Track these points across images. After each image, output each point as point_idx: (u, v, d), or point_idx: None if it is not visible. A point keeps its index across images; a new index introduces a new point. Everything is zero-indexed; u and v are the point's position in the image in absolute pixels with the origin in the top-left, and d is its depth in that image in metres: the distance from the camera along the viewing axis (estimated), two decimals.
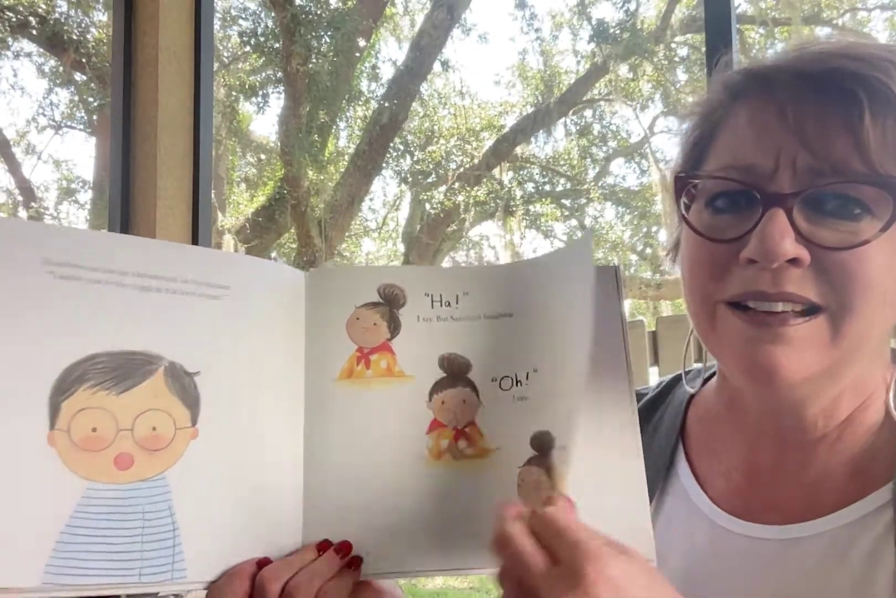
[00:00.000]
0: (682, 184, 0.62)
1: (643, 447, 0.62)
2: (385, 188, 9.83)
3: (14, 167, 8.95)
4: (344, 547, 0.59)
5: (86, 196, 9.43)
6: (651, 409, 0.75)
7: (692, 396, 0.73)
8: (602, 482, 0.60)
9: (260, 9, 8.26)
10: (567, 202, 9.65)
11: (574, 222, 9.77)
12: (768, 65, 0.60)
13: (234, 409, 0.63)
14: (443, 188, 9.11)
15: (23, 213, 9.15)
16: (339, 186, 8.16)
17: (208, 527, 0.61)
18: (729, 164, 0.59)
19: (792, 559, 0.60)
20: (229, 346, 0.63)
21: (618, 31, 8.23)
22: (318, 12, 7.73)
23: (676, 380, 0.77)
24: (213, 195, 3.02)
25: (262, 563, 0.59)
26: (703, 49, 1.86)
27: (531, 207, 9.42)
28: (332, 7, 7.99)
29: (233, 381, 0.63)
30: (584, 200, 9.54)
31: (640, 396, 0.75)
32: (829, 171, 0.54)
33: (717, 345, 0.61)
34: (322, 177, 8.63)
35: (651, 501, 0.62)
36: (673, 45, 8.60)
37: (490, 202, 8.98)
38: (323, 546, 0.59)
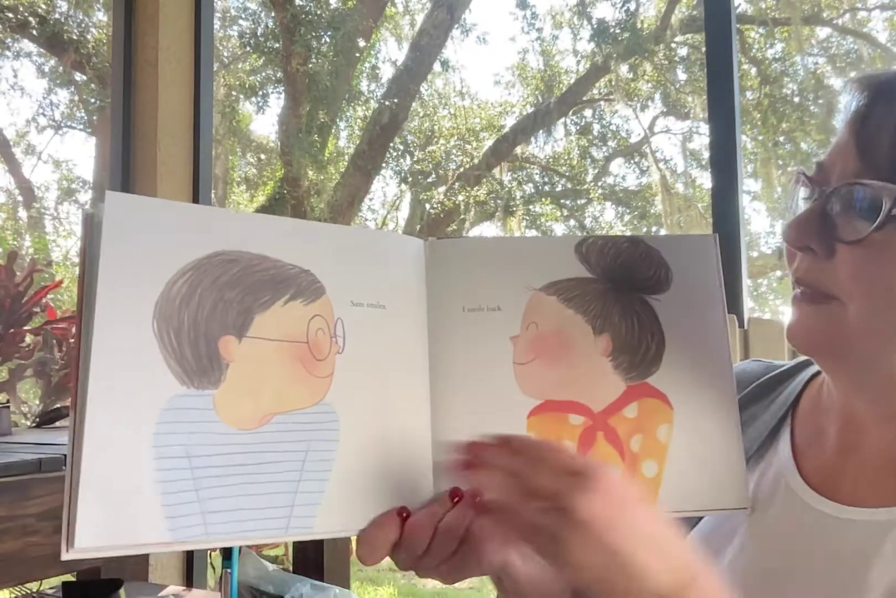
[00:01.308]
0: (795, 177, 0.67)
1: (762, 413, 0.72)
2: (385, 188, 9.83)
3: (14, 167, 8.95)
4: (478, 491, 0.61)
5: (86, 196, 9.43)
6: (780, 380, 0.77)
7: (816, 373, 0.76)
8: (698, 435, 0.66)
9: (260, 9, 8.26)
10: (567, 202, 9.65)
11: (574, 222, 9.77)
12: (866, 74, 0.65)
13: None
14: (443, 188, 9.11)
15: (23, 213, 9.15)
16: (339, 186, 8.17)
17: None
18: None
19: (840, 538, 0.60)
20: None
21: (618, 31, 8.23)
22: (318, 12, 7.73)
23: (809, 361, 0.79)
24: (213, 195, 3.01)
25: (402, 512, 0.59)
26: (703, 49, 1.86)
27: (531, 207, 9.42)
28: (332, 7, 7.99)
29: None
30: (583, 200, 9.54)
31: (776, 367, 0.79)
32: (864, 171, 0.59)
33: None
34: (322, 177, 8.63)
35: (748, 461, 0.68)
36: (673, 45, 8.60)
37: (490, 202, 8.98)
38: (455, 493, 0.61)
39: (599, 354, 0.67)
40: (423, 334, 0.66)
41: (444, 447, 0.63)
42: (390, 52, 9.24)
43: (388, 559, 0.62)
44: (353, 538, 0.61)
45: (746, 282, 1.81)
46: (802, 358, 0.79)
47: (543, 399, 0.65)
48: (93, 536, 0.51)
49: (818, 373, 0.75)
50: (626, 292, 0.68)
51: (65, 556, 0.50)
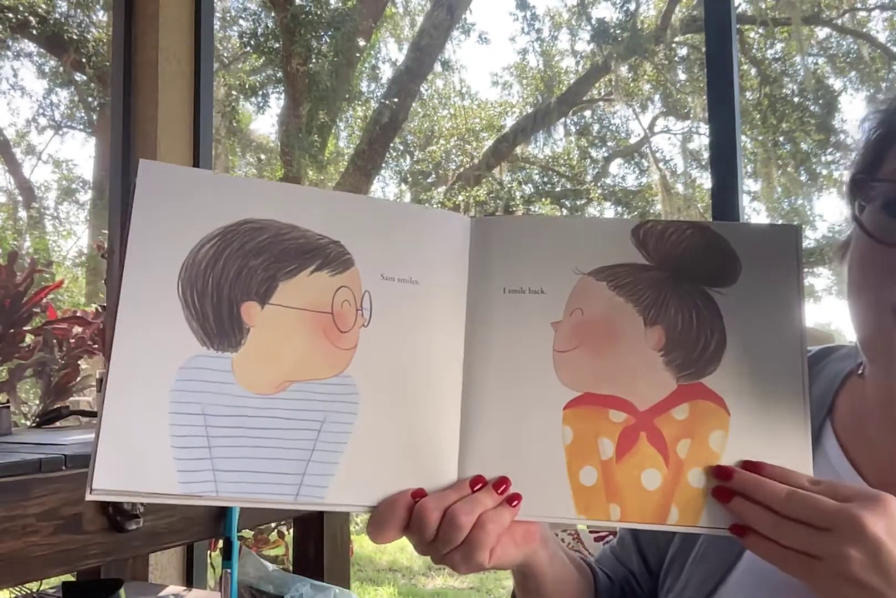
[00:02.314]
0: (859, 186, 0.61)
1: None
2: (385, 188, 9.84)
3: (14, 167, 8.95)
4: (502, 483, 0.59)
5: (86, 196, 9.43)
6: None
7: (847, 375, 0.71)
8: (758, 446, 0.59)
9: (260, 9, 8.26)
10: (567, 202, 9.65)
11: None
12: None
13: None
14: (443, 188, 9.11)
15: (23, 213, 9.15)
16: (339, 186, 8.16)
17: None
18: None
19: None
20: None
21: (618, 31, 8.23)
22: (318, 12, 7.73)
23: (826, 353, 0.75)
24: None
25: (417, 494, 0.58)
26: (703, 49, 1.85)
27: (531, 208, 9.42)
28: (332, 7, 7.99)
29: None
30: (583, 201, 9.54)
31: None
32: None
33: (880, 350, 0.60)
34: (322, 177, 8.63)
35: None
36: (673, 45, 8.60)
37: (490, 202, 8.98)
38: (476, 481, 0.59)
39: (650, 347, 0.61)
40: (460, 313, 0.63)
41: (473, 434, 0.61)
42: (390, 53, 9.25)
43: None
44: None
45: None
46: (814, 349, 0.75)
47: (583, 391, 0.61)
48: (109, 479, 0.54)
49: (850, 373, 0.71)
50: (686, 283, 0.62)
51: (88, 497, 0.54)
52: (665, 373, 0.61)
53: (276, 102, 8.79)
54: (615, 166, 9.57)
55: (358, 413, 0.60)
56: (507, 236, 0.64)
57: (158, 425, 0.56)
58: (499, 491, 0.59)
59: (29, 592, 1.54)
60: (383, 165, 8.71)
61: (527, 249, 0.64)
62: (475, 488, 0.59)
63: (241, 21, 8.39)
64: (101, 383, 0.58)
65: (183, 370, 0.57)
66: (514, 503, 0.59)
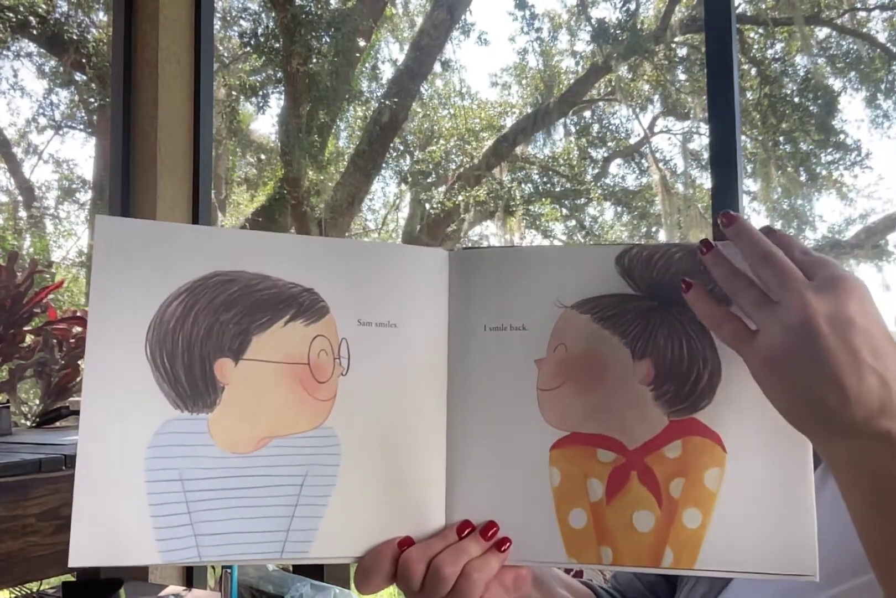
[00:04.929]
0: None
1: None
2: (385, 188, 9.84)
3: (14, 167, 8.95)
4: (490, 527, 0.58)
5: (86, 196, 9.44)
6: None
7: None
8: (757, 484, 0.56)
9: (260, 9, 8.26)
10: (567, 202, 9.65)
11: (574, 222, 9.77)
12: None
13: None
14: (443, 188, 9.11)
15: (23, 213, 9.15)
16: (339, 186, 8.16)
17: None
18: None
19: None
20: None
21: (618, 31, 8.23)
22: (318, 12, 7.73)
23: None
24: (213, 195, 3.02)
25: (404, 543, 0.57)
26: (703, 49, 1.86)
27: (531, 208, 9.42)
28: (332, 7, 7.99)
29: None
30: (583, 200, 9.54)
31: None
32: None
33: None
34: (322, 177, 8.63)
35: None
36: (673, 45, 8.60)
37: (490, 202, 8.98)
38: (463, 527, 0.58)
39: (638, 381, 0.58)
40: (442, 354, 0.62)
41: (459, 478, 0.60)
42: (390, 53, 9.26)
43: None
44: None
45: None
46: None
47: (569, 431, 0.59)
48: (84, 556, 0.53)
49: None
50: (676, 311, 0.58)
51: (70, 563, 0.53)
52: (655, 409, 0.58)
53: (276, 102, 8.79)
54: (615, 166, 9.57)
55: (340, 464, 0.59)
56: (486, 270, 0.62)
57: (135, 495, 0.54)
58: (487, 536, 0.57)
59: (29, 592, 1.54)
60: (383, 165, 8.71)
61: (507, 283, 0.61)
62: (463, 535, 0.58)
63: (241, 21, 8.39)
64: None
65: (157, 436, 0.55)
66: (503, 547, 0.58)
